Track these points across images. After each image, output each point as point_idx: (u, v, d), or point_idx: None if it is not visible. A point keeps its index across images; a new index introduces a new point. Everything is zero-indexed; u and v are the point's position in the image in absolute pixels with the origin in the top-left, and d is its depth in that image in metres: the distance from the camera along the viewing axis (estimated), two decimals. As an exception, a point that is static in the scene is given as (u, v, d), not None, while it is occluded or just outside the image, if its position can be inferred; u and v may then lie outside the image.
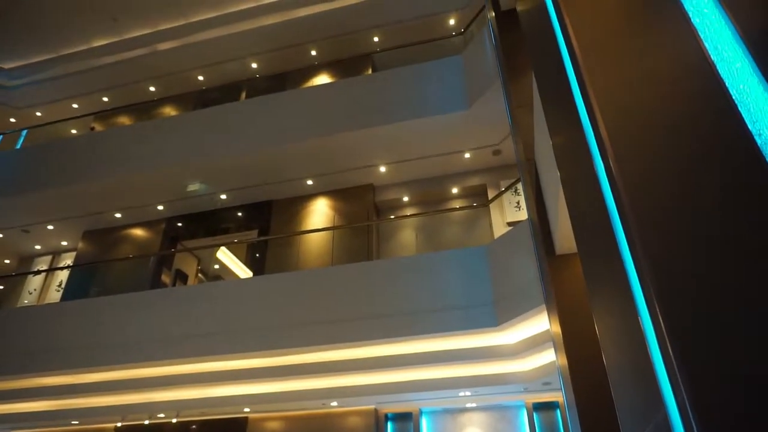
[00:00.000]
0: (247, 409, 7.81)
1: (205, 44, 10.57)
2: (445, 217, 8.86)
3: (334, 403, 7.47)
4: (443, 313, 5.93)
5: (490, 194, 8.62)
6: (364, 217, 9.05)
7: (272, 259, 9.16)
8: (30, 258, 11.74)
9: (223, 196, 9.70)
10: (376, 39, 10.53)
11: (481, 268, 6.08)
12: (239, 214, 9.99)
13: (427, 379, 6.60)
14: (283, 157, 8.72)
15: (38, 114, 12.06)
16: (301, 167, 9.01)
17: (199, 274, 10.50)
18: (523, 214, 7.84)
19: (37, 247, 11.39)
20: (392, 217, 9.34)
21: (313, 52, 10.84)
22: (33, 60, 11.33)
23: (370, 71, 10.11)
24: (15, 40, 10.74)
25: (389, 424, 7.72)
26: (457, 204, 9.10)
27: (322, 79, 10.63)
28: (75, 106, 12.00)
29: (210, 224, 10.14)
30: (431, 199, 9.22)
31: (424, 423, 7.62)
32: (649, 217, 1.17)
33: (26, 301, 11.04)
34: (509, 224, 8.07)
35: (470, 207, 8.69)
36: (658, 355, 1.03)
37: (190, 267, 10.42)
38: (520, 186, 7.57)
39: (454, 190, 9.07)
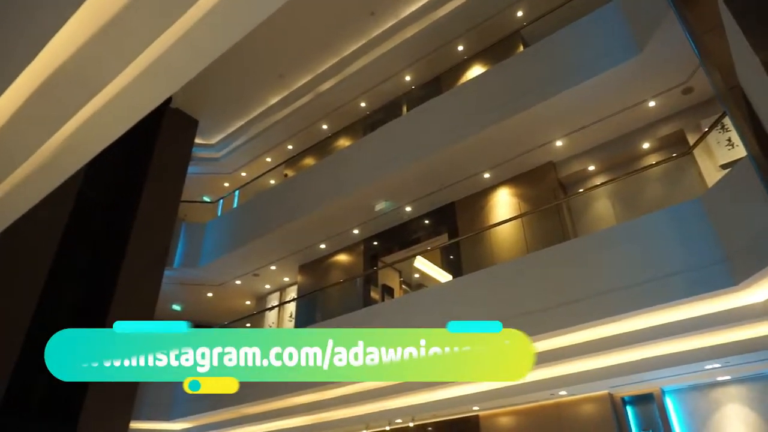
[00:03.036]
0: (476, 408, 7.95)
1: (360, 72, 11.24)
2: (641, 177, 7.97)
3: (563, 392, 7.19)
4: (665, 280, 5.35)
5: (691, 139, 7.56)
6: (550, 198, 8.64)
7: (467, 258, 9.24)
8: (263, 297, 13.66)
9: (408, 209, 10.15)
10: (519, 14, 10.08)
11: (699, 224, 5.36)
12: (426, 221, 10.32)
13: (663, 354, 6.00)
14: (455, 156, 8.79)
15: (243, 174, 14.02)
16: (474, 162, 9.00)
17: (403, 286, 11.07)
18: (739, 152, 6.73)
19: (267, 286, 13.22)
20: (581, 190, 8.74)
21: (460, 48, 10.78)
22: (229, 131, 13.26)
23: (521, 48, 9.69)
24: (214, 119, 12.73)
25: (628, 408, 7.15)
26: (652, 160, 8.15)
27: (476, 70, 10.50)
28: (268, 159, 13.70)
29: (402, 237, 10.66)
30: (621, 162, 8.41)
31: (670, 403, 6.91)
32: None
33: (268, 334, 12.83)
34: (723, 167, 6.98)
35: (670, 159, 7.71)
36: None
37: (393, 280, 11.05)
38: (727, 120, 6.53)
39: (646, 146, 8.16)
